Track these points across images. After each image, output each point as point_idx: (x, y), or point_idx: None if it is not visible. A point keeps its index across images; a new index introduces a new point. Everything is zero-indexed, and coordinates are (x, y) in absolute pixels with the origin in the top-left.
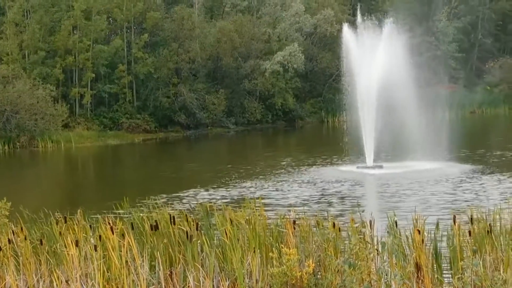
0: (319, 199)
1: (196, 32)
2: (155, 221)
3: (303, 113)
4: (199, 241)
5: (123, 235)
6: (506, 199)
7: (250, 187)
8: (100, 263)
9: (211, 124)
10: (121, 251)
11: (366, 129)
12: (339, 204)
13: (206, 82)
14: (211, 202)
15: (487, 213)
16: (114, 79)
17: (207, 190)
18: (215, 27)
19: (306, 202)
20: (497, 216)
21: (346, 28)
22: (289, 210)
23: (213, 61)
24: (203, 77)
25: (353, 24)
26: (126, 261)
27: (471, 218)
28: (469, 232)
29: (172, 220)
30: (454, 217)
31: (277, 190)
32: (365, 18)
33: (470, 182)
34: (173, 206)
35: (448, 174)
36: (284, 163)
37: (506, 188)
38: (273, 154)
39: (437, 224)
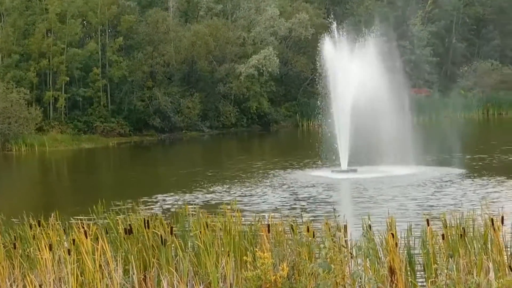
0: (293, 203)
1: (171, 36)
2: (129, 225)
3: (278, 117)
4: (173, 245)
5: (97, 239)
6: (481, 203)
7: (225, 191)
8: (73, 267)
9: (186, 127)
10: (94, 255)
11: (341, 133)
12: (313, 208)
13: (180, 86)
14: (185, 206)
15: (460, 217)
16: (89, 82)
17: (181, 194)
18: (190, 31)
19: (280, 206)
20: (471, 220)
21: (323, 33)
22: (264, 214)
23: (187, 64)
24: (178, 81)
25: (328, 28)
26: (100, 265)
27: (445, 222)
28: (443, 236)
29: (146, 224)
30: (428, 221)
31: (251, 194)
32: (340, 22)
33: (444, 186)
34: (147, 210)
35: (423, 178)
36: (258, 167)
37: (483, 192)
38: (247, 158)
39: (410, 228)
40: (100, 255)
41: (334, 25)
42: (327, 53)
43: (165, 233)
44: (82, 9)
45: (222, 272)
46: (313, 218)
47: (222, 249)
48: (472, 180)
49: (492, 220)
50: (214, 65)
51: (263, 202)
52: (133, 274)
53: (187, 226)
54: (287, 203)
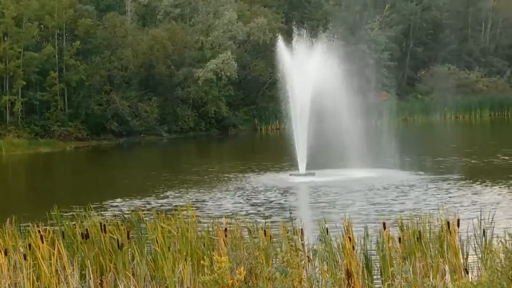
0: (251, 206)
1: (129, 40)
2: (86, 229)
3: (237, 121)
4: (130, 249)
5: (53, 244)
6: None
7: (182, 195)
8: (29, 272)
9: (144, 132)
10: (51, 260)
11: (299, 137)
12: (271, 212)
13: (138, 90)
14: (142, 210)
15: (417, 220)
16: (46, 86)
17: (139, 198)
18: (148, 35)
19: (238, 209)
20: (427, 223)
21: (280, 37)
22: (221, 218)
23: (146, 68)
24: (136, 85)
25: (286, 32)
26: (56, 270)
27: (401, 225)
28: (399, 239)
29: (103, 229)
30: (384, 224)
31: (209, 198)
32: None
33: (403, 190)
34: (104, 214)
35: (381, 181)
36: (216, 171)
37: (442, 195)
38: (205, 162)
39: (367, 231)
40: (57, 260)
41: (292, 29)
42: (284, 57)
43: (122, 237)
44: (39, 12)
45: (179, 276)
46: (270, 222)
47: (179, 253)
48: (433, 184)
49: (448, 223)
50: (172, 69)
51: (220, 206)
52: (90, 278)
53: (144, 230)
54: (244, 207)
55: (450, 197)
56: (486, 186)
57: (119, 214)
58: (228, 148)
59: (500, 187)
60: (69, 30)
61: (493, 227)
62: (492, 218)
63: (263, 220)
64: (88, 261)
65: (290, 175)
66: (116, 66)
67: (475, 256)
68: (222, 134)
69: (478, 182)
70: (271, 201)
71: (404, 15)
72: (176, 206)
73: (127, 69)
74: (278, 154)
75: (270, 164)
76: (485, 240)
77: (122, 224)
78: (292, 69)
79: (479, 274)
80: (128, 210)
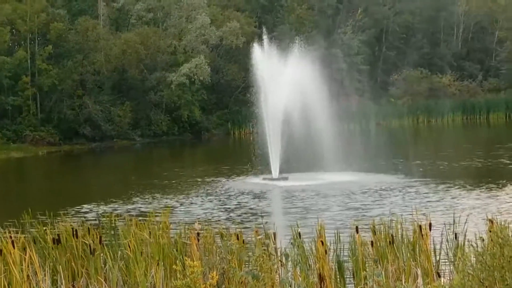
0: (224, 211)
1: (101, 44)
2: (58, 234)
3: (210, 125)
4: (102, 254)
5: (24, 249)
6: (412, 210)
7: (154, 199)
8: (1, 277)
9: (117, 136)
10: (22, 266)
11: (272, 141)
12: (244, 216)
13: (111, 94)
14: (115, 215)
15: (389, 224)
16: (18, 91)
17: (110, 203)
18: (121, 39)
19: (210, 214)
20: (399, 227)
21: (253, 42)
22: (193, 222)
23: (118, 73)
24: (109, 89)
25: (259, 36)
26: (28, 276)
27: (374, 229)
28: (371, 242)
29: (74, 234)
30: (357, 227)
31: (181, 202)
32: (271, 31)
33: (377, 193)
34: (76, 219)
35: (355, 185)
36: (189, 175)
37: (415, 199)
38: (178, 166)
39: (338, 235)
40: (28, 265)
41: (265, 33)
42: (257, 61)
43: (94, 242)
44: (11, 16)
45: (151, 281)
46: (242, 226)
47: (152, 258)
48: (408, 187)
49: (420, 227)
50: (145, 74)
51: (192, 211)
52: (62, 284)
53: (116, 235)
54: (217, 212)
55: (424, 200)
56: (461, 189)
57: (91, 219)
58: (201, 153)
59: (475, 191)
60: (41, 34)
61: (466, 231)
62: (465, 222)
63: (236, 225)
64: (60, 266)
65: (263, 179)
66: (89, 71)
67: (447, 259)
68: (195, 139)
69: (453, 186)
70: (244, 206)
71: (376, 19)
72: (148, 211)
73: (100, 73)
74: (251, 159)
75: (243, 168)
76: (457, 243)
77: (94, 229)
78: (264, 73)
79: (451, 277)
80: (100, 215)
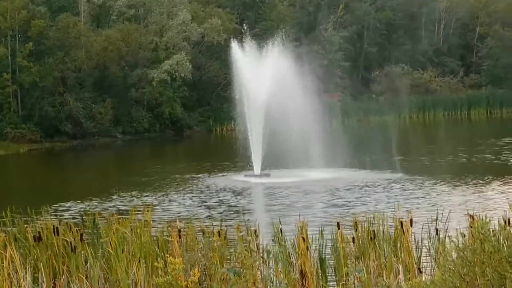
0: (205, 208)
1: (82, 41)
2: (38, 232)
3: (191, 122)
4: (83, 252)
5: (5, 247)
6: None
7: (135, 197)
8: None
9: (98, 133)
10: (3, 263)
11: (254, 138)
12: (225, 213)
13: (92, 91)
14: (96, 212)
15: (371, 220)
16: None
17: (91, 201)
18: (102, 36)
19: (192, 211)
20: (381, 223)
21: (233, 38)
22: (174, 220)
23: (99, 70)
24: (90, 86)
25: (240, 33)
26: (9, 274)
27: (355, 225)
28: (353, 238)
29: (55, 231)
30: (338, 224)
31: (161, 200)
32: (253, 27)
33: (359, 190)
34: (57, 217)
35: (337, 182)
36: (170, 172)
37: (398, 195)
38: (160, 163)
39: (322, 232)
40: (9, 263)
41: (245, 30)
42: (237, 58)
43: (75, 240)
44: None
45: (133, 279)
46: (224, 223)
47: (133, 255)
48: (391, 183)
49: (401, 223)
50: (126, 70)
51: (174, 208)
52: (43, 281)
53: (98, 232)
54: (198, 208)
55: (407, 197)
56: (444, 185)
57: (71, 216)
58: (183, 150)
59: (458, 187)
60: (22, 31)
61: (447, 227)
62: (447, 218)
63: (217, 222)
64: (41, 264)
65: (245, 176)
66: (70, 68)
67: (429, 255)
68: (177, 135)
69: (436, 182)
70: (226, 203)
71: (358, 16)
72: (128, 208)
73: (81, 70)
74: (233, 155)
75: (225, 165)
76: (439, 239)
77: (75, 227)
78: (246, 70)
79: (432, 273)
80: (81, 213)
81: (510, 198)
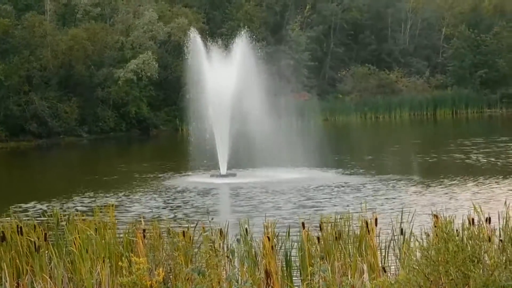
0: (171, 207)
1: (48, 40)
2: (2, 232)
3: (158, 121)
4: (47, 252)
5: None
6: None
7: (100, 196)
8: None
9: (64, 132)
10: None
11: (219, 137)
12: (191, 213)
13: (58, 90)
14: (61, 212)
15: (337, 220)
16: None
17: (56, 200)
18: (67, 35)
19: (157, 211)
20: (347, 223)
21: (195, 38)
22: (139, 220)
23: (65, 69)
24: (55, 85)
25: (207, 32)
26: None
27: (321, 225)
28: (318, 238)
29: (19, 231)
30: (303, 224)
31: (126, 200)
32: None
33: (326, 190)
34: (21, 216)
35: (304, 182)
36: (135, 172)
37: (364, 194)
38: (125, 163)
39: (288, 232)
40: None
41: (213, 29)
42: (199, 58)
43: (39, 239)
44: None
45: (97, 278)
46: (189, 223)
47: (98, 255)
48: (357, 183)
49: (366, 222)
50: (92, 70)
51: (139, 208)
52: (6, 281)
53: (62, 232)
54: (164, 208)
55: (373, 196)
56: (411, 185)
57: (35, 216)
58: (149, 149)
59: (423, 186)
60: None
61: (413, 226)
62: (412, 218)
63: (183, 221)
64: (4, 264)
65: (211, 176)
66: (35, 66)
67: (394, 255)
68: (143, 135)
69: (403, 181)
70: (191, 203)
71: (324, 16)
72: (91, 208)
73: (46, 69)
74: (199, 155)
75: (191, 165)
76: (403, 239)
77: (39, 226)
78: (210, 70)
79: (397, 272)
80: (44, 213)
81: (477, 197)
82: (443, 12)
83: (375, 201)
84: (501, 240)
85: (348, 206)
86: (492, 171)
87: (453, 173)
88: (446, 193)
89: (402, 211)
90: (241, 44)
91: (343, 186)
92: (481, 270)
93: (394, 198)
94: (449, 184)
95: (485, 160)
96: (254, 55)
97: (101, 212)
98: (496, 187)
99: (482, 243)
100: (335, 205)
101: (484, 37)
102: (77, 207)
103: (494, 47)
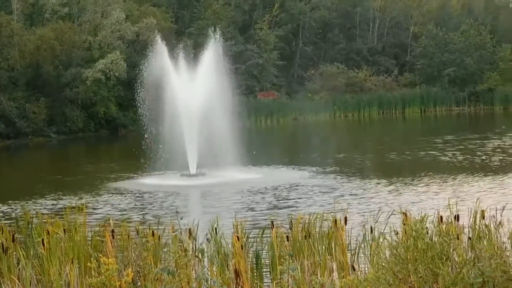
0: (141, 207)
1: (15, 40)
2: None
3: (127, 121)
4: (15, 253)
5: None
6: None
7: (68, 197)
8: None
9: (32, 133)
10: None
11: (189, 137)
12: (160, 212)
13: (26, 91)
14: (28, 213)
15: (307, 219)
16: None
17: (23, 201)
18: (35, 35)
19: (126, 211)
20: (317, 222)
21: (159, 38)
22: (107, 220)
23: (33, 69)
24: (23, 85)
25: (176, 32)
26: None
27: (291, 224)
28: (287, 237)
29: None
30: (272, 222)
31: (96, 199)
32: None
33: (297, 189)
34: None
35: (275, 181)
36: (103, 172)
37: (334, 193)
38: (93, 163)
39: (259, 231)
40: None
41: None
42: (165, 58)
43: (6, 241)
44: None
45: (66, 279)
46: (159, 223)
47: (66, 256)
48: (327, 181)
49: (335, 220)
50: (60, 70)
51: (108, 208)
52: None
53: (30, 233)
54: (133, 208)
55: (344, 194)
56: (380, 183)
57: (4, 217)
58: (117, 149)
59: (394, 184)
60: None
61: (383, 224)
62: (383, 216)
63: (152, 221)
64: None
65: (181, 175)
66: (3, 67)
67: (363, 253)
68: (112, 135)
69: (372, 179)
70: (161, 202)
71: (293, 15)
72: (63, 208)
73: (14, 69)
74: (168, 155)
75: (161, 165)
76: (373, 237)
77: (6, 227)
78: (177, 69)
79: (366, 271)
80: (15, 213)
81: (449, 195)
82: (411, 10)
83: (346, 200)
84: (469, 238)
85: (318, 205)
86: (464, 169)
87: (424, 171)
88: (418, 191)
89: (372, 209)
90: (209, 44)
91: (314, 185)
92: (449, 268)
93: (364, 197)
94: (421, 182)
95: (457, 158)
96: (222, 55)
97: (69, 212)
98: (470, 185)
99: (451, 240)
100: (306, 204)
101: (452, 35)
102: (44, 208)
103: (462, 45)
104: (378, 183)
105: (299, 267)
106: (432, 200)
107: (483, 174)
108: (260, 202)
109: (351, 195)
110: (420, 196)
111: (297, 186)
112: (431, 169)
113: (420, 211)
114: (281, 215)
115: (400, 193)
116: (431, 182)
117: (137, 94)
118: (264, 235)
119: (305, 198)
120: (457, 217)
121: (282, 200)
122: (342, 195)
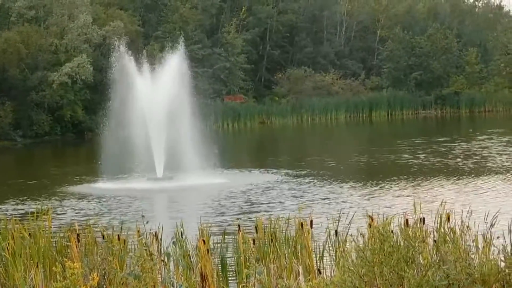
0: (106, 211)
1: None
2: None
3: (93, 125)
4: None
5: None
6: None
7: (32, 201)
8: None
9: None
10: None
11: (155, 140)
12: (126, 216)
13: None
14: None
15: (272, 222)
16: None
17: None
18: (1, 38)
19: (91, 215)
20: (283, 225)
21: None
22: (72, 224)
23: None
24: None
25: (143, 35)
26: None
27: (256, 227)
28: (253, 240)
29: None
30: (239, 226)
31: (60, 204)
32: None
33: (262, 192)
34: None
35: (242, 184)
36: (70, 175)
37: (301, 195)
38: (58, 166)
39: (224, 234)
40: None
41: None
42: (128, 62)
43: None
44: None
45: (31, 284)
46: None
47: (31, 260)
48: (294, 185)
49: (302, 224)
50: (26, 73)
51: (73, 212)
52: None
53: None
54: (99, 212)
55: (310, 198)
56: (347, 186)
57: None
58: (83, 153)
59: (361, 187)
60: None
61: (349, 227)
62: (350, 219)
63: (117, 225)
64: None
65: (148, 179)
66: None
67: (329, 256)
68: (78, 139)
69: (339, 183)
70: (127, 205)
71: (260, 19)
72: (28, 212)
73: None
74: (135, 158)
75: (127, 168)
76: (339, 240)
77: None
78: (142, 73)
79: (332, 274)
80: None
81: (416, 198)
82: (378, 14)
83: (312, 203)
84: (435, 241)
85: (285, 208)
86: (432, 171)
87: (392, 174)
88: (386, 194)
89: (339, 212)
90: (176, 47)
91: (281, 189)
92: (415, 271)
93: (331, 200)
94: (388, 185)
95: (426, 161)
96: (187, 58)
97: (34, 216)
98: (437, 187)
99: (416, 243)
100: (273, 208)
101: (419, 39)
102: (10, 211)
103: (428, 49)
104: (345, 187)
105: (265, 270)
106: (401, 203)
107: (451, 177)
108: (227, 205)
109: (318, 198)
110: (389, 199)
111: (264, 188)
112: (400, 172)
113: (387, 214)
114: (248, 218)
115: (369, 196)
116: (400, 185)
117: (104, 98)
118: (228, 237)
119: (272, 200)
120: (423, 220)
121: (250, 203)
122: (308, 198)
